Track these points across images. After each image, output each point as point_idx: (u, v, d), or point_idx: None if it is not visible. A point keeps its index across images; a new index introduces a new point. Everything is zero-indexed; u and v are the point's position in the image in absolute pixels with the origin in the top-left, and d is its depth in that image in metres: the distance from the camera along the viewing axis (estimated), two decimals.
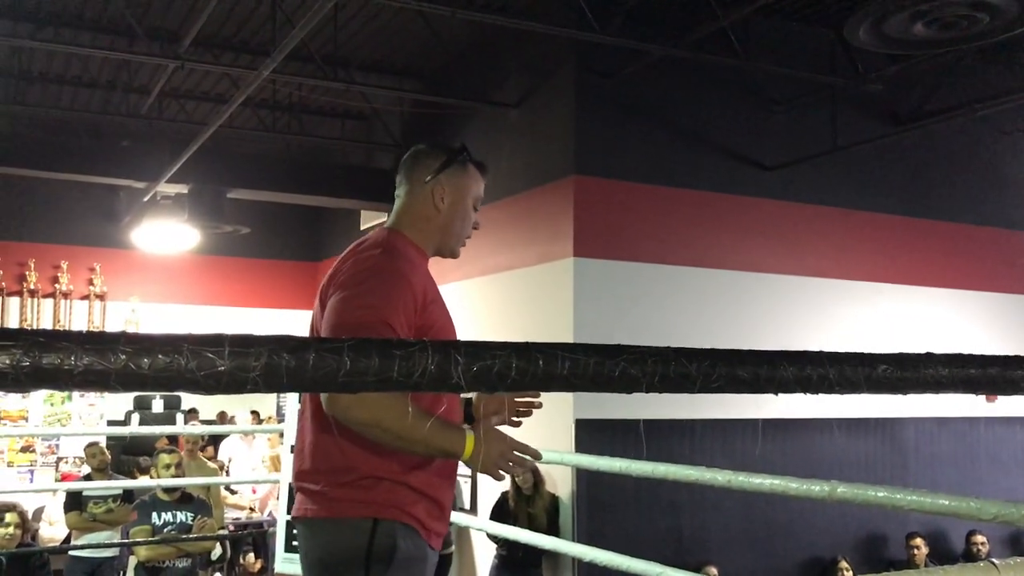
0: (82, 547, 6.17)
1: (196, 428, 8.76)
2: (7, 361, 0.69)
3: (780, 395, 1.08)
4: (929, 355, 1.12)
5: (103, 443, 6.93)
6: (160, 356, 0.72)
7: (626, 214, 6.83)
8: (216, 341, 0.75)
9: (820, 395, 1.09)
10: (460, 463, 2.13)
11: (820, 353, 1.04)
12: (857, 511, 7.10)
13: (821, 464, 7.09)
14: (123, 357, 0.71)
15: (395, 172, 2.31)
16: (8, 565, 5.07)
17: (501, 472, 2.06)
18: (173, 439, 8.04)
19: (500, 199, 7.45)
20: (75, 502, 6.28)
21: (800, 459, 7.03)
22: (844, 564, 7.03)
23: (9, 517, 5.17)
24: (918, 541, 7.13)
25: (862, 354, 1.07)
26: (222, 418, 10.39)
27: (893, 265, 7.85)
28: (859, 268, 7.68)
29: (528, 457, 2.13)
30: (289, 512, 4.64)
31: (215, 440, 9.47)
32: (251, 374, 0.75)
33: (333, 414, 1.93)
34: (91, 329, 9.79)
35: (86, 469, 7.39)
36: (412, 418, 1.91)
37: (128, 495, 6.34)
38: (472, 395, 2.36)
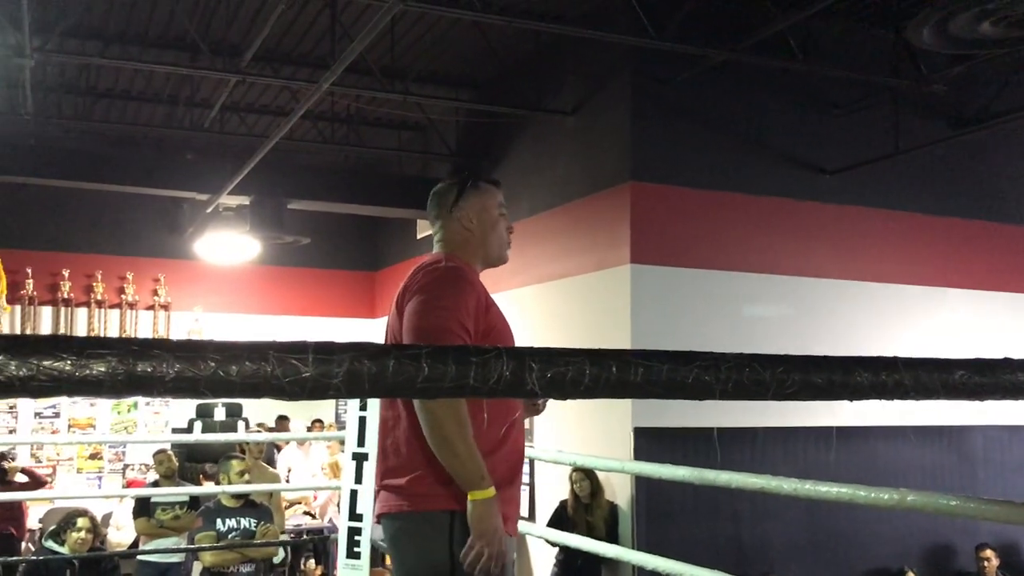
0: (150, 552, 6.30)
1: (257, 435, 8.89)
2: (103, 369, 0.72)
3: (853, 402, 1.07)
4: (1007, 360, 1.10)
5: (169, 450, 7.06)
6: (247, 363, 0.74)
7: (684, 220, 6.79)
8: (300, 348, 0.76)
9: (894, 401, 1.07)
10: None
11: (896, 359, 1.03)
12: (924, 521, 6.95)
13: (884, 473, 6.95)
14: (212, 364, 0.74)
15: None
16: (80, 568, 5.20)
17: (483, 532, 2.12)
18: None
19: (557, 206, 7.46)
20: (143, 508, 6.43)
21: (863, 468, 6.90)
22: (911, 575, 6.88)
23: (81, 522, 5.31)
24: (988, 553, 6.94)
25: (938, 359, 1.06)
26: (281, 426, 10.53)
27: (959, 269, 7.68)
28: (923, 273, 7.52)
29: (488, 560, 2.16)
30: (351, 517, 4.70)
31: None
32: (334, 380, 0.77)
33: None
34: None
35: (152, 476, 7.54)
36: (463, 430, 2.10)
37: (194, 501, 6.47)
38: None
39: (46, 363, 0.69)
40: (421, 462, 2.19)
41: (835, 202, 7.26)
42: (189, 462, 9.35)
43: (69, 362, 0.70)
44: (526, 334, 7.46)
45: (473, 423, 2.19)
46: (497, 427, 2.27)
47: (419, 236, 10.29)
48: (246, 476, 5.93)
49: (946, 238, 7.66)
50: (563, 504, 6.46)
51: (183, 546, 6.34)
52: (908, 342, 7.15)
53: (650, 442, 6.29)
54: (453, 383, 0.83)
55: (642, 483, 6.28)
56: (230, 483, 5.83)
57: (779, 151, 7.15)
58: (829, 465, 6.69)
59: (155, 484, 6.86)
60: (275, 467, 9.12)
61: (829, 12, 6.59)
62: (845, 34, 7.11)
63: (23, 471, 7.59)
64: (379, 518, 2.33)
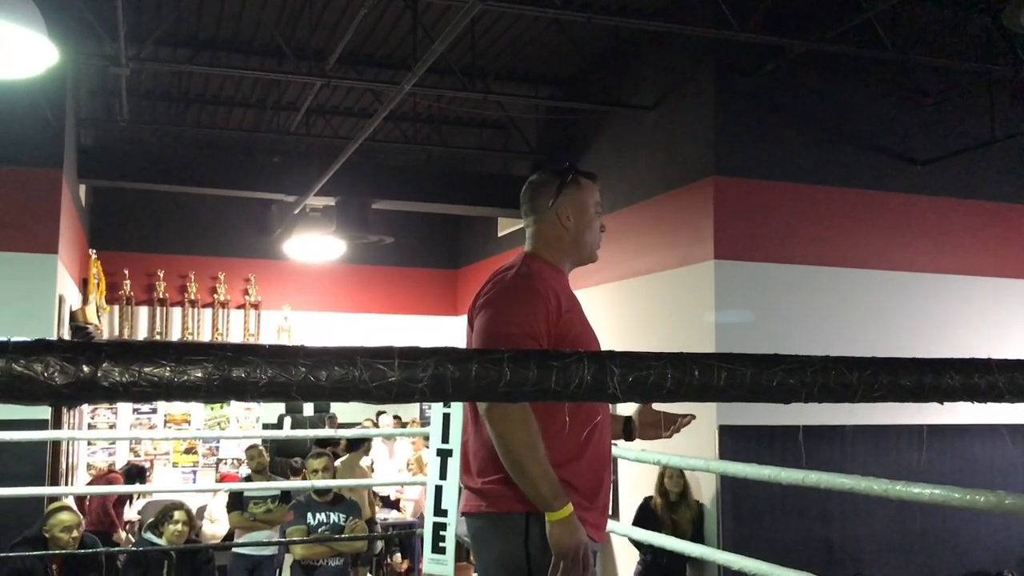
0: (244, 545, 6.48)
1: (342, 432, 9.06)
2: (199, 375, 0.75)
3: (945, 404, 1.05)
4: None
5: (260, 445, 7.25)
6: (336, 368, 0.77)
7: (769, 214, 6.67)
8: (386, 353, 0.78)
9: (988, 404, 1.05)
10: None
11: (989, 360, 1.00)
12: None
13: (982, 472, 6.73)
14: (303, 370, 0.76)
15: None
16: (177, 559, 5.39)
17: (564, 552, 2.08)
18: (324, 443, 8.36)
19: (638, 202, 7.41)
20: (237, 502, 6.62)
21: (959, 467, 6.69)
22: None
23: (178, 515, 5.48)
24: None
25: None
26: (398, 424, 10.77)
27: None
28: (1020, 265, 7.24)
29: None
30: (436, 513, 4.76)
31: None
32: (419, 384, 0.79)
33: (483, 414, 2.14)
34: (247, 338, 10.30)
35: (244, 470, 7.76)
36: (534, 452, 2.07)
37: (285, 495, 6.63)
38: (632, 412, 2.58)
39: (147, 369, 0.73)
40: (496, 465, 2.17)
41: (927, 194, 7.04)
42: (279, 456, 9.59)
43: (168, 368, 0.73)
44: (607, 332, 7.43)
45: (553, 427, 2.16)
46: (578, 431, 2.21)
47: (500, 234, 10.34)
48: (320, 473, 6.07)
49: None
50: (647, 501, 6.41)
51: (275, 539, 6.51)
52: (1006, 338, 6.90)
53: (736, 440, 6.21)
54: (535, 387, 0.84)
55: (727, 482, 6.20)
56: (311, 478, 5.99)
57: (868, 142, 6.97)
58: (922, 464, 6.50)
59: (248, 479, 7.05)
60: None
61: None
62: (935, 20, 6.88)
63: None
64: (463, 515, 2.36)
